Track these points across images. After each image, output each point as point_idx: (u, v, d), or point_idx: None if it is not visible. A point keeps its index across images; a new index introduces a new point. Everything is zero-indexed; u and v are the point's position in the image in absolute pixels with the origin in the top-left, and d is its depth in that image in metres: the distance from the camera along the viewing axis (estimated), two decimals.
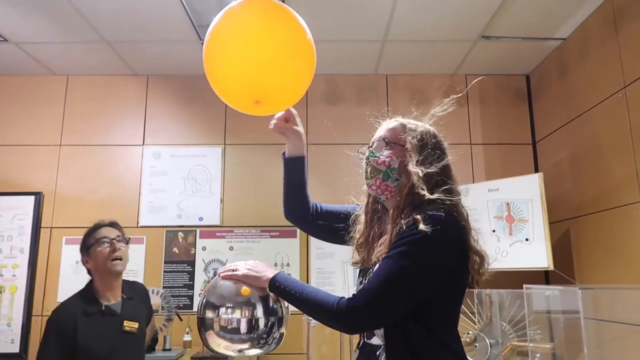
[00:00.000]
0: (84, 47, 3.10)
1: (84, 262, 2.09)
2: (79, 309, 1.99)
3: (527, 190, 2.80)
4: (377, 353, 1.20)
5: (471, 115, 3.49)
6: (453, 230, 1.17)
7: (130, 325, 2.03)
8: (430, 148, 1.26)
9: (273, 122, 1.50)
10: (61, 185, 3.33)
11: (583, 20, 2.82)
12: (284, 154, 1.54)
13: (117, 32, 2.94)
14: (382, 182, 1.28)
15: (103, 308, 2.00)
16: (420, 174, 1.21)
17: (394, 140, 1.30)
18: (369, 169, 1.30)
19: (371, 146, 1.34)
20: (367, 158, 1.31)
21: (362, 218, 1.37)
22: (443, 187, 1.21)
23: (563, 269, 2.78)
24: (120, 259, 2.06)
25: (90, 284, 2.09)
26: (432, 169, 1.23)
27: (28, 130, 3.40)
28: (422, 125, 1.33)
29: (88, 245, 2.08)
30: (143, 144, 3.42)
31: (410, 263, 1.12)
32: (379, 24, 2.86)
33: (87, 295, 2.04)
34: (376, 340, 1.22)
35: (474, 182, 3.30)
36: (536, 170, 3.35)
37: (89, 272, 2.09)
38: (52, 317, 1.99)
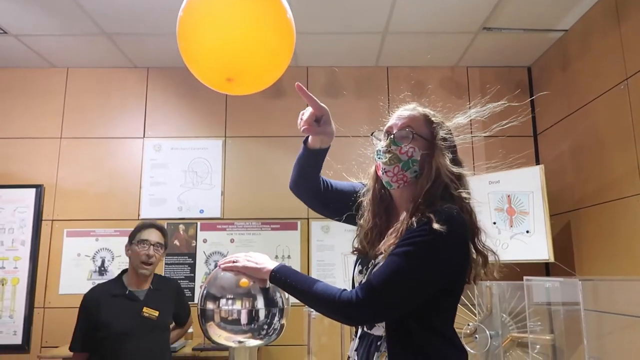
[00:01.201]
0: (83, 39, 3.09)
1: (126, 249, 2.39)
2: (107, 290, 2.30)
3: (528, 183, 2.80)
4: (378, 343, 1.20)
5: (472, 107, 3.47)
6: (463, 232, 1.16)
7: (149, 311, 2.26)
8: (454, 144, 1.28)
9: (303, 126, 1.38)
10: (62, 178, 3.33)
11: (585, 12, 2.80)
12: (305, 141, 1.43)
13: (116, 25, 2.92)
14: (400, 170, 1.24)
15: (127, 292, 2.29)
16: (453, 174, 1.21)
17: (419, 132, 1.26)
18: (389, 156, 1.25)
19: (392, 133, 1.28)
20: (389, 145, 1.26)
21: (369, 206, 1.34)
22: (466, 186, 1.23)
23: (563, 262, 2.79)
24: (150, 265, 2.33)
25: (124, 272, 2.40)
26: (463, 169, 1.24)
27: (28, 122, 3.40)
28: (443, 118, 1.32)
29: (132, 240, 2.36)
30: (144, 136, 3.42)
31: (417, 263, 1.11)
32: (380, 16, 2.85)
33: (118, 281, 2.35)
34: (377, 331, 1.22)
35: (474, 174, 3.29)
36: (537, 163, 3.34)
37: (128, 258, 2.38)
38: (85, 294, 2.33)
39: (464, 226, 1.17)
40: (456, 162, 1.26)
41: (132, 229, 3.06)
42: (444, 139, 1.25)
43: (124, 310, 2.23)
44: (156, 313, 2.27)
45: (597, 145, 2.70)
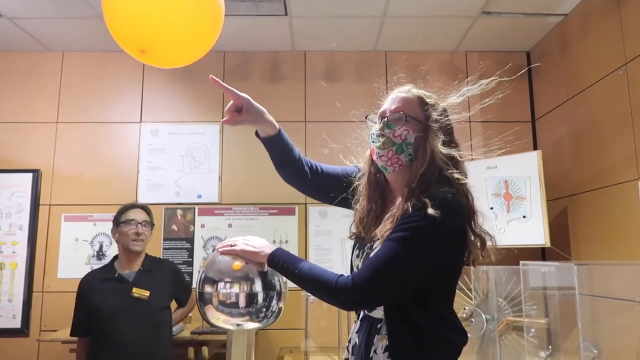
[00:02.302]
0: (79, 22, 3.05)
1: (112, 234, 2.40)
2: (99, 276, 2.35)
3: (525, 168, 2.81)
4: (379, 326, 1.21)
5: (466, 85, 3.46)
6: (459, 216, 1.17)
7: (139, 292, 2.28)
8: (450, 126, 1.26)
9: (224, 118, 1.39)
10: (59, 163, 3.32)
11: None
12: (256, 133, 1.44)
13: None
14: (394, 154, 1.24)
15: (116, 275, 2.31)
16: (445, 154, 1.20)
17: (413, 115, 1.25)
18: (382, 140, 1.25)
19: (386, 116, 1.28)
20: (382, 129, 1.26)
21: (364, 190, 1.34)
22: (461, 168, 1.22)
23: (560, 246, 2.81)
24: (142, 241, 2.35)
25: (115, 257, 2.42)
26: (456, 151, 1.23)
27: (24, 107, 3.38)
28: (438, 99, 1.30)
29: (118, 222, 2.36)
30: (140, 121, 3.40)
31: (413, 248, 1.12)
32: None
33: (109, 266, 2.38)
34: (377, 314, 1.23)
35: (472, 159, 3.29)
36: (535, 148, 3.35)
37: (116, 242, 2.39)
38: (79, 282, 2.37)
39: (460, 209, 1.17)
40: (451, 143, 1.25)
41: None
42: (436, 121, 1.24)
43: (113, 292, 2.26)
44: (147, 293, 2.28)
45: (594, 130, 2.70)
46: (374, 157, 1.29)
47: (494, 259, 1.28)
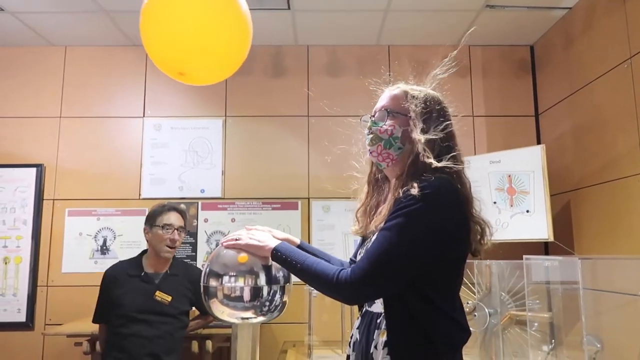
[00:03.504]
0: (81, 17, 3.05)
1: (145, 232, 2.36)
2: (124, 270, 2.33)
3: (529, 162, 2.80)
4: (378, 320, 1.21)
5: (474, 86, 3.46)
6: (450, 197, 1.16)
7: (161, 295, 2.27)
8: (435, 115, 1.26)
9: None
10: (62, 158, 3.33)
11: None
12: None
13: (115, 2, 2.88)
14: (383, 149, 1.28)
15: (142, 274, 2.30)
16: (424, 142, 1.21)
17: (396, 110, 1.29)
18: (371, 137, 1.31)
19: (373, 115, 1.33)
20: (370, 128, 1.31)
21: (365, 187, 1.38)
22: (450, 154, 1.21)
23: (563, 241, 2.80)
24: (174, 248, 2.33)
25: (143, 253, 2.40)
26: (436, 136, 1.22)
27: (28, 102, 3.38)
28: (426, 91, 1.31)
29: (153, 224, 2.33)
30: (143, 115, 3.40)
31: (406, 233, 1.12)
32: None
33: (137, 261, 2.36)
34: (376, 308, 1.23)
35: (475, 154, 3.29)
36: (538, 143, 3.34)
37: (147, 241, 2.37)
38: (105, 271, 2.38)
39: (453, 194, 1.17)
40: (432, 130, 1.24)
41: (133, 208, 3.09)
42: (416, 111, 1.25)
43: (137, 291, 2.26)
44: (169, 298, 2.27)
45: (598, 125, 2.69)
46: (368, 154, 1.34)
47: (491, 247, 1.28)
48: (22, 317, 3.12)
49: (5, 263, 3.18)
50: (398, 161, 1.28)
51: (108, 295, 2.30)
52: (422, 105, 1.26)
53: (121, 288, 2.27)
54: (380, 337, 1.19)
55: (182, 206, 2.47)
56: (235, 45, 1.47)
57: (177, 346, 2.33)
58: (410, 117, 1.26)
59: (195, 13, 1.35)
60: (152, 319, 2.24)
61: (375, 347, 1.19)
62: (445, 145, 1.23)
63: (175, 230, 2.32)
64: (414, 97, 1.28)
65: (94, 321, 2.37)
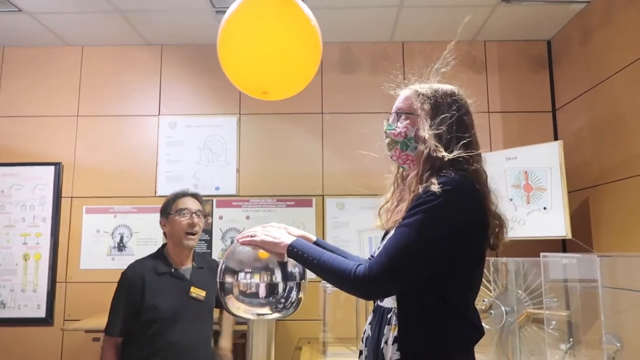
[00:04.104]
0: (97, 17, 3.08)
1: (162, 225, 2.19)
2: (150, 267, 2.09)
3: (546, 159, 2.76)
4: (389, 316, 1.21)
5: (489, 82, 3.42)
6: (469, 193, 1.16)
7: (197, 292, 2.10)
8: (444, 108, 1.25)
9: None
10: (80, 156, 3.37)
11: None
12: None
13: (129, 2, 2.91)
14: (401, 152, 1.30)
15: (172, 270, 2.10)
16: (432, 137, 1.21)
17: (407, 111, 1.31)
18: (387, 140, 1.33)
19: (388, 119, 1.35)
20: (385, 132, 1.34)
21: (391, 187, 1.40)
22: (461, 142, 1.20)
23: (581, 238, 2.76)
24: (195, 234, 2.14)
25: (163, 247, 2.20)
26: (441, 129, 1.22)
27: (46, 101, 3.43)
28: (437, 86, 1.31)
29: (168, 212, 2.15)
30: (159, 114, 3.43)
31: (425, 230, 1.12)
32: None
33: (160, 256, 2.15)
34: (388, 303, 1.23)
35: (491, 150, 3.26)
36: (556, 139, 3.29)
37: (165, 235, 2.20)
38: (124, 273, 2.11)
39: (472, 190, 1.17)
40: (455, 121, 1.23)
41: (149, 206, 3.06)
42: (433, 107, 1.25)
43: (171, 290, 2.05)
44: (203, 293, 2.10)
45: (617, 120, 2.64)
46: (389, 158, 1.37)
47: (508, 243, 1.27)
48: (41, 313, 3.18)
49: (25, 260, 3.24)
50: (417, 161, 1.28)
51: (133, 300, 2.02)
52: (431, 101, 1.26)
53: (152, 289, 2.02)
54: (391, 333, 1.18)
55: (196, 190, 2.30)
56: (311, 58, 1.54)
57: (210, 345, 2.17)
58: (419, 115, 1.27)
59: (272, 33, 1.42)
60: (191, 319, 2.05)
61: (386, 342, 1.19)
62: (453, 136, 1.22)
63: (193, 214, 2.12)
64: (423, 94, 1.28)
65: (110, 333, 2.03)
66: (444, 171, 1.17)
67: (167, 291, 2.05)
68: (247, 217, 3.30)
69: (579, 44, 3.04)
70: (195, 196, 2.22)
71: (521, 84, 3.42)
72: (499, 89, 3.42)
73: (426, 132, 1.22)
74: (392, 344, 1.16)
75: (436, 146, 1.20)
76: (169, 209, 2.17)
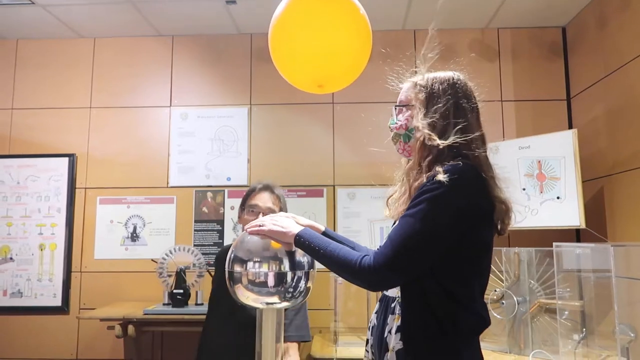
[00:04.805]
0: (109, 8, 3.10)
1: (238, 219, 2.20)
2: None
3: (559, 148, 2.72)
4: (393, 305, 1.21)
5: (503, 70, 3.37)
6: (474, 181, 1.15)
7: None
8: (440, 94, 1.24)
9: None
10: (93, 147, 3.41)
11: None
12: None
13: None
14: (404, 144, 1.31)
15: None
16: (425, 126, 1.20)
17: (405, 102, 1.31)
18: (392, 134, 1.34)
19: (392, 114, 1.35)
20: (389, 126, 1.34)
21: (400, 177, 1.38)
22: (455, 128, 1.19)
23: (595, 228, 2.73)
24: None
25: None
26: (438, 115, 1.21)
27: (59, 93, 3.47)
28: (435, 74, 1.29)
29: (243, 207, 2.14)
30: (170, 105, 3.45)
31: (430, 219, 1.11)
32: None
33: None
34: (392, 292, 1.23)
35: (504, 139, 3.22)
36: (570, 127, 3.24)
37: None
38: (217, 255, 2.28)
39: (474, 176, 1.15)
40: (449, 107, 1.21)
41: (162, 196, 3.07)
42: (428, 96, 1.24)
43: None
44: None
45: (633, 108, 2.59)
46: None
47: (520, 231, 1.26)
48: (57, 302, 3.24)
49: (41, 250, 3.30)
50: (414, 150, 1.27)
51: (217, 274, 2.11)
52: (426, 90, 1.26)
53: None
54: (395, 322, 1.19)
55: (277, 186, 2.17)
56: (363, 47, 1.55)
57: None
58: (415, 105, 1.26)
59: (324, 25, 1.43)
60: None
61: (390, 331, 1.19)
62: (449, 122, 1.20)
63: (261, 213, 1.98)
64: (419, 85, 1.28)
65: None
66: (447, 159, 1.16)
67: None
68: None
69: (595, 30, 2.98)
70: (271, 191, 2.12)
71: (535, 72, 3.36)
72: (513, 77, 3.37)
73: (419, 121, 1.22)
74: (395, 333, 1.16)
75: (429, 134, 1.19)
76: (244, 203, 2.13)
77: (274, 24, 1.49)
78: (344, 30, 1.46)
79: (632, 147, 2.60)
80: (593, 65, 2.99)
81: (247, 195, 2.12)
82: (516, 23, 3.33)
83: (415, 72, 1.36)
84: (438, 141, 1.17)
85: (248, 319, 1.69)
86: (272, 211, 2.05)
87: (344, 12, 1.47)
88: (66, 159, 3.37)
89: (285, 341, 2.07)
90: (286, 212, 2.08)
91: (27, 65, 3.51)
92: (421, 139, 1.21)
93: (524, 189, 2.83)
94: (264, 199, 2.07)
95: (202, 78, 3.47)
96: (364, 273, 1.14)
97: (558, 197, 2.70)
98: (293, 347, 2.09)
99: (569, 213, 2.65)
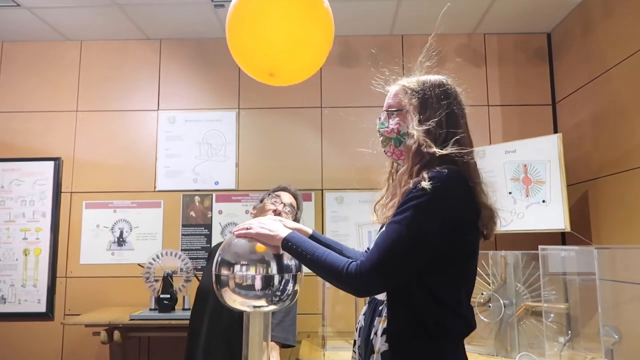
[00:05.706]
0: (95, 11, 3.08)
1: (252, 210, 2.26)
2: None
3: (545, 152, 2.76)
4: (380, 308, 1.22)
5: (489, 75, 3.41)
6: (460, 188, 1.16)
7: None
8: (433, 100, 1.24)
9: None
10: (79, 151, 3.38)
11: None
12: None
13: None
14: (395, 148, 1.31)
15: None
16: (422, 133, 1.20)
17: (397, 107, 1.30)
18: (381, 138, 1.33)
19: (380, 118, 1.35)
20: (378, 130, 1.34)
21: (385, 183, 1.39)
22: (453, 139, 1.20)
23: (580, 231, 2.76)
24: None
25: None
26: (435, 123, 1.21)
27: (45, 96, 3.43)
28: (425, 78, 1.30)
29: (262, 199, 2.22)
30: (158, 109, 3.43)
31: (415, 226, 1.11)
32: None
33: None
34: (381, 295, 1.24)
35: (490, 143, 3.25)
36: (555, 132, 3.28)
37: None
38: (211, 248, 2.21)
39: (463, 185, 1.16)
40: (445, 115, 1.22)
41: (149, 200, 3.04)
42: (421, 102, 1.25)
43: None
44: None
45: (617, 113, 2.63)
46: (385, 154, 1.36)
47: (505, 234, 1.27)
48: (42, 308, 3.19)
49: (25, 255, 3.25)
50: (407, 156, 1.27)
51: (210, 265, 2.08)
52: (419, 95, 1.26)
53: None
54: (381, 325, 1.19)
55: (299, 193, 2.30)
56: (322, 40, 1.49)
57: None
58: (408, 110, 1.26)
59: (283, 13, 1.37)
60: None
61: (376, 333, 1.19)
62: (445, 131, 1.21)
63: (283, 204, 2.11)
64: (411, 89, 1.28)
65: None
66: (435, 166, 1.16)
67: None
68: (247, 212, 3.30)
69: (579, 36, 3.03)
70: (293, 194, 2.25)
71: (521, 77, 3.41)
72: (499, 82, 3.41)
73: (414, 128, 1.22)
74: (381, 336, 1.17)
75: (425, 141, 1.19)
76: (265, 196, 2.22)
77: (234, 4, 1.43)
78: (303, 20, 1.40)
79: (616, 151, 2.64)
80: (578, 70, 3.04)
81: (271, 192, 2.24)
82: (502, 29, 3.37)
83: (403, 75, 1.36)
84: (435, 148, 1.18)
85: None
86: (292, 207, 2.19)
87: (306, 1, 1.42)
88: (52, 163, 3.33)
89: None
90: (297, 215, 2.22)
91: (13, 67, 3.47)
92: (416, 145, 1.21)
93: (510, 193, 2.86)
94: (287, 197, 2.21)
95: (190, 81, 3.46)
96: (350, 279, 1.14)
97: (544, 201, 2.73)
98: (275, 349, 2.09)
99: (555, 216, 2.68)
